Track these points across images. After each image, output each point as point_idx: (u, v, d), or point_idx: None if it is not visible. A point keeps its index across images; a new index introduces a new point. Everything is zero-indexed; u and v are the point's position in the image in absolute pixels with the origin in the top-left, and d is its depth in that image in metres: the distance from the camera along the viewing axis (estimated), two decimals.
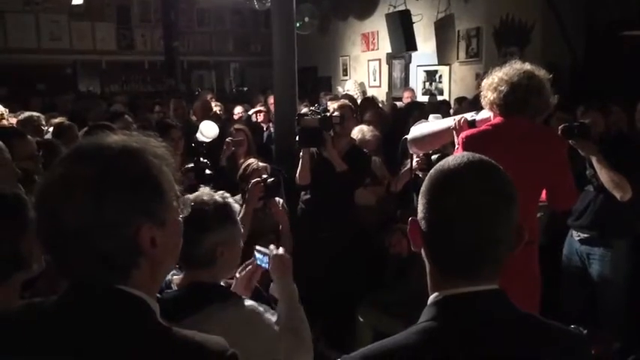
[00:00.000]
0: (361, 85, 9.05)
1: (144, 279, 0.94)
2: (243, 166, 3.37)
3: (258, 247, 1.87)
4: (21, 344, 0.90)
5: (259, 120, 6.50)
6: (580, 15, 6.17)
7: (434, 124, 2.91)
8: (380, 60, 9.01)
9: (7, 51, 8.97)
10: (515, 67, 2.39)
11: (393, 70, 8.77)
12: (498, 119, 2.41)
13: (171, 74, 8.83)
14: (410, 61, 8.32)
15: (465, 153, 1.04)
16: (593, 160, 3.10)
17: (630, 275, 3.26)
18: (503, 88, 2.35)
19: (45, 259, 1.40)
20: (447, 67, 7.68)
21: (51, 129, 4.21)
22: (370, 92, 8.62)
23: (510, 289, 1.72)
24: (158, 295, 1.53)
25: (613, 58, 5.59)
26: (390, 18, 7.63)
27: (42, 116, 4.38)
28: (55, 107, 6.93)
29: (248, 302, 1.64)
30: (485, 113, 2.51)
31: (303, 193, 3.86)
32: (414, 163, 3.23)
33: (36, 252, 1.38)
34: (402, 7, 7.59)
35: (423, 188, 1.02)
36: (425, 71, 8.07)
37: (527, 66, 2.42)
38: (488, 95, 2.41)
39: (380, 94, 8.64)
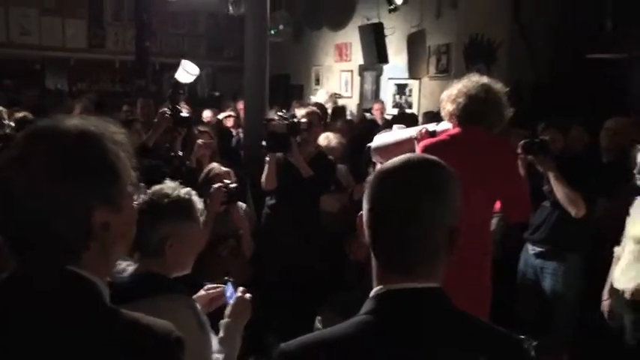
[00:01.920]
0: (334, 94, 9.10)
1: (94, 261, 0.95)
2: (205, 171, 3.38)
3: (231, 280, 1.88)
4: None
5: (229, 125, 6.49)
6: (547, 35, 6.36)
7: (397, 133, 2.98)
8: (352, 71, 9.10)
9: None
10: (474, 80, 2.47)
11: (364, 82, 8.86)
12: (456, 129, 2.49)
13: (142, 75, 8.74)
14: (381, 74, 8.43)
15: (411, 154, 1.09)
16: (551, 176, 3.20)
17: (581, 289, 3.36)
18: (461, 100, 2.43)
19: None
20: (417, 82, 7.80)
21: (12, 123, 4.13)
22: (341, 102, 8.69)
23: (460, 296, 1.78)
24: (109, 279, 1.53)
25: (577, 78, 5.78)
26: (363, 30, 7.72)
27: (4, 110, 4.30)
28: (20, 103, 6.79)
29: (194, 303, 1.65)
30: (446, 124, 2.58)
31: (268, 198, 3.88)
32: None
33: None
34: (375, 20, 7.69)
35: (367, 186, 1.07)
36: (396, 84, 8.19)
37: (485, 79, 2.51)
38: (447, 107, 2.49)
39: (351, 105, 8.72)
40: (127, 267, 1.67)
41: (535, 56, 6.35)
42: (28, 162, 0.90)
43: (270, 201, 3.86)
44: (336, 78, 9.48)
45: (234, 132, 6.34)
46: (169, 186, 1.69)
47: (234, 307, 1.78)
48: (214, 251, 3.00)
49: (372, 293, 1.05)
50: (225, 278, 1.89)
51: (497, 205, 2.52)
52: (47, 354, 0.88)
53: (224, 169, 3.38)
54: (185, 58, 7.20)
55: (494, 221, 3.50)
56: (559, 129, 3.59)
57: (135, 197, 1.04)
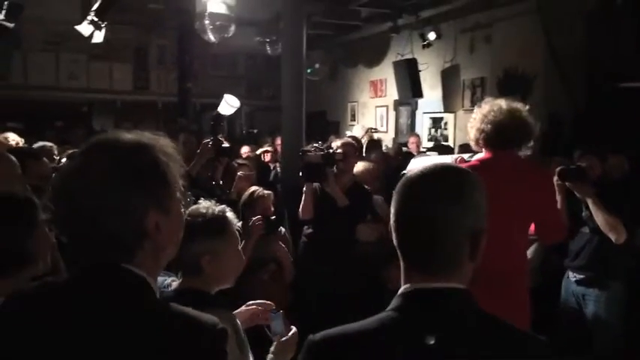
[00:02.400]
0: (370, 129, 9.22)
1: (147, 260, 1.04)
2: (248, 193, 3.47)
3: (280, 312, 1.90)
4: (35, 316, 1.00)
5: (266, 160, 6.65)
6: (582, 66, 6.35)
7: (432, 159, 3.03)
8: (387, 106, 9.22)
9: (26, 87, 9.26)
10: (498, 104, 2.50)
11: (399, 117, 8.97)
12: (486, 154, 2.52)
13: (183, 114, 9.05)
14: (416, 108, 8.52)
15: (437, 162, 1.16)
16: (589, 202, 3.18)
17: (625, 316, 3.28)
18: (486, 126, 2.46)
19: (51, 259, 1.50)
20: (452, 115, 7.85)
21: (64, 160, 4.35)
22: (377, 137, 8.79)
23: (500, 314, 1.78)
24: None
25: (613, 108, 5.73)
26: (397, 66, 7.87)
27: (55, 146, 4.54)
28: (69, 142, 7.13)
29: (235, 320, 1.70)
30: (482, 154, 2.61)
31: (305, 227, 3.95)
32: None
33: (42, 251, 1.49)
34: (409, 56, 7.83)
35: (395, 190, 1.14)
36: (431, 118, 8.25)
37: (510, 102, 2.52)
38: (472, 133, 2.53)
39: (386, 139, 8.81)
40: (171, 282, 1.75)
41: (571, 87, 6.33)
42: (88, 169, 1.01)
43: (307, 230, 3.93)
44: (372, 113, 9.62)
45: (271, 166, 6.48)
46: (204, 205, 1.76)
47: (283, 345, 1.80)
48: (255, 275, 3.06)
49: (399, 291, 1.10)
50: (273, 309, 1.91)
51: (532, 228, 2.52)
52: (104, 342, 0.95)
53: (266, 191, 3.49)
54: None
55: (532, 248, 3.48)
56: (596, 155, 3.58)
57: (183, 204, 1.12)
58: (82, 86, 9.96)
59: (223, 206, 1.81)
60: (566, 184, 3.13)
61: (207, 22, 6.38)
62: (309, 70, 9.49)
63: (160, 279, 1.72)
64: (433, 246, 1.07)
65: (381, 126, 9.34)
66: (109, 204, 0.99)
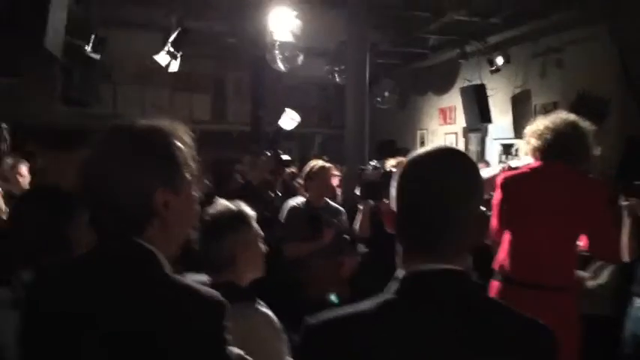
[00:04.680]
0: None
1: (156, 237, 1.13)
2: (310, 166, 3.59)
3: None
4: (58, 286, 1.14)
5: (334, 184, 6.79)
6: None
7: (483, 171, 3.03)
8: (457, 133, 9.16)
9: (115, 117, 9.95)
10: (561, 117, 2.50)
11: (469, 144, 8.87)
12: (537, 163, 2.51)
13: (256, 141, 9.42)
14: (486, 135, 8.41)
15: (437, 144, 1.16)
16: None
17: None
18: (548, 135, 2.46)
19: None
20: (524, 141, 7.66)
21: None
22: None
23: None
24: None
25: None
26: (464, 92, 7.84)
27: None
28: None
29: (261, 307, 1.80)
30: (527, 159, 2.61)
31: (362, 245, 4.02)
32: None
33: (81, 240, 1.67)
34: (477, 82, 7.79)
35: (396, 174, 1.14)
36: (501, 144, 8.11)
37: (572, 116, 2.52)
38: (532, 142, 2.53)
39: None
40: (206, 281, 1.87)
41: None
42: (104, 148, 1.13)
43: (363, 249, 3.99)
44: (441, 140, 9.55)
45: (338, 191, 6.60)
46: (220, 204, 1.89)
47: None
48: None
49: (395, 275, 1.08)
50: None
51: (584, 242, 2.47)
52: (112, 305, 1.06)
53: (327, 164, 3.64)
54: (296, 128, 7.75)
55: (606, 271, 3.33)
56: None
57: (195, 187, 1.20)
58: (164, 116, 10.56)
59: (237, 202, 1.92)
60: (631, 202, 3.00)
61: (276, 52, 6.70)
62: (378, 99, 9.66)
63: (192, 276, 1.85)
64: (438, 228, 1.05)
65: None
66: (121, 181, 1.09)
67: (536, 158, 2.55)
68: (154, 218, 1.12)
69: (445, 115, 9.45)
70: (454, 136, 9.24)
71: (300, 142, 12.29)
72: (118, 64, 9.50)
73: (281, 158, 3.91)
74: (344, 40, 6.60)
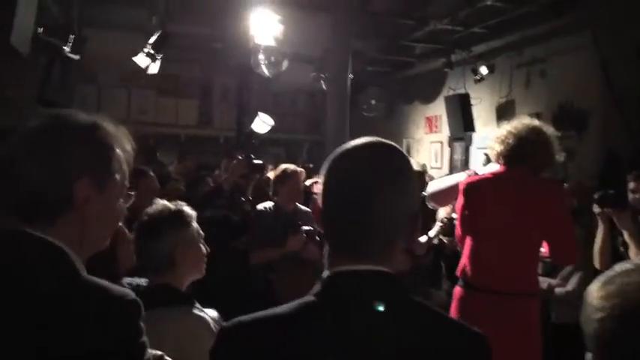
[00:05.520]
0: (423, 166, 9.16)
1: (70, 233, 1.05)
2: (280, 169, 3.56)
3: None
4: None
5: (315, 191, 6.75)
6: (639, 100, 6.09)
7: (449, 178, 3.01)
8: (442, 142, 9.14)
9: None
10: (524, 122, 2.48)
11: (454, 153, 8.86)
12: (501, 168, 2.48)
13: (241, 148, 9.37)
14: (471, 144, 8.40)
15: (370, 137, 1.07)
16: (625, 234, 3.01)
17: None
18: (510, 141, 2.43)
19: None
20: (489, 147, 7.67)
21: None
22: (431, 173, 8.71)
23: (506, 338, 1.69)
24: (126, 284, 1.69)
25: None
26: (449, 100, 7.83)
27: None
28: None
29: (199, 311, 1.73)
30: (494, 167, 2.58)
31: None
32: (437, 228, 3.30)
33: None
34: (462, 91, 7.79)
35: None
36: (485, 154, 8.08)
37: (536, 122, 2.50)
38: (495, 147, 2.50)
39: (440, 175, 8.71)
40: (144, 283, 1.81)
41: (629, 121, 6.06)
42: (35, 131, 1.07)
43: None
44: (427, 149, 9.55)
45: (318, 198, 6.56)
46: (159, 204, 1.82)
47: None
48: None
49: (321, 277, 1.02)
50: None
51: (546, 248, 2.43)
52: (8, 305, 0.98)
53: (299, 169, 3.60)
54: (283, 134, 7.71)
55: (574, 278, 3.30)
56: None
57: (124, 196, 1.15)
58: (150, 120, 10.53)
59: (177, 201, 1.86)
60: (605, 211, 2.97)
61: (261, 56, 6.66)
62: (364, 107, 9.64)
63: (129, 279, 1.79)
64: (366, 226, 0.98)
65: (436, 162, 9.25)
66: (41, 161, 1.02)
67: (499, 164, 2.52)
68: (70, 211, 1.05)
69: (431, 123, 9.44)
70: (439, 144, 9.22)
71: (287, 148, 12.25)
72: (103, 66, 9.44)
73: (253, 162, 3.86)
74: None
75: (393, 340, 0.95)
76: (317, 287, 1.00)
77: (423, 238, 3.70)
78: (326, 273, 1.01)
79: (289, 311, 0.98)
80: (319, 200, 1.07)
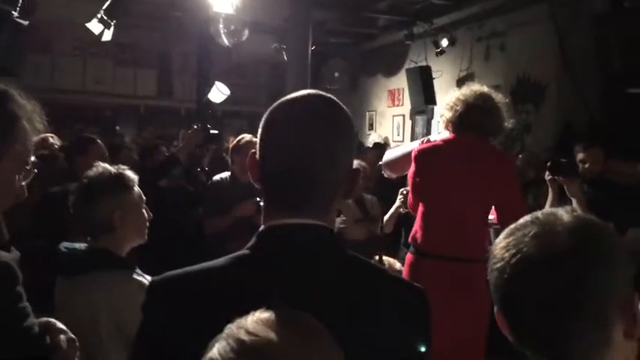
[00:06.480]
0: (385, 139, 9.21)
1: None
2: (237, 139, 3.50)
3: None
4: None
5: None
6: (594, 72, 6.22)
7: (404, 146, 3.02)
8: (404, 115, 9.19)
9: (53, 91, 9.55)
10: (472, 89, 2.49)
11: (415, 125, 8.92)
12: (451, 135, 2.50)
13: (203, 120, 9.21)
14: (432, 117, 8.46)
15: (309, 90, 1.03)
16: (574, 201, 3.09)
17: None
18: (459, 107, 2.44)
19: None
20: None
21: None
22: (393, 146, 8.78)
23: (455, 303, 1.69)
24: (63, 248, 1.64)
25: (628, 114, 5.59)
26: (410, 73, 7.85)
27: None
28: None
29: (138, 277, 1.69)
30: (446, 134, 2.59)
31: None
32: (398, 202, 3.35)
33: None
34: (423, 64, 7.81)
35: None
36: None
37: (485, 88, 2.52)
38: (445, 114, 2.51)
39: None
40: (82, 247, 1.76)
41: (584, 93, 6.20)
42: None
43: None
44: (389, 122, 9.60)
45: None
46: (100, 166, 1.77)
47: None
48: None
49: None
50: None
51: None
52: None
53: (255, 138, 3.57)
54: (246, 106, 7.59)
55: None
56: (602, 148, 3.51)
57: (26, 170, 1.12)
58: (107, 91, 10.24)
59: (119, 165, 1.81)
60: (556, 178, 3.04)
61: (220, 26, 6.50)
62: (327, 80, 9.59)
63: (66, 243, 1.73)
64: (305, 180, 0.94)
65: (398, 135, 9.31)
66: None
67: (449, 131, 2.54)
68: None
69: (394, 96, 9.46)
70: (401, 118, 9.27)
71: (250, 120, 12.11)
72: (57, 34, 9.10)
73: (209, 132, 3.79)
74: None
75: (329, 291, 0.92)
76: (251, 241, 0.98)
77: (387, 215, 3.72)
78: (261, 227, 0.99)
79: (222, 264, 0.95)
80: (257, 155, 1.02)
